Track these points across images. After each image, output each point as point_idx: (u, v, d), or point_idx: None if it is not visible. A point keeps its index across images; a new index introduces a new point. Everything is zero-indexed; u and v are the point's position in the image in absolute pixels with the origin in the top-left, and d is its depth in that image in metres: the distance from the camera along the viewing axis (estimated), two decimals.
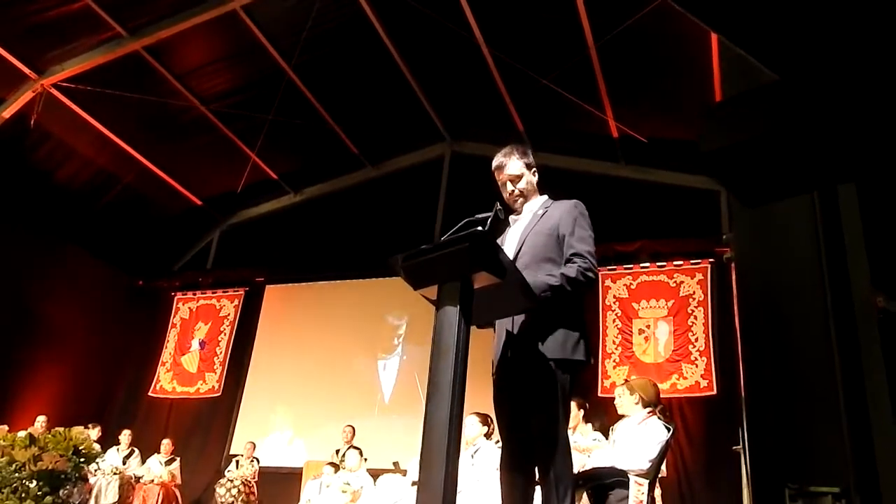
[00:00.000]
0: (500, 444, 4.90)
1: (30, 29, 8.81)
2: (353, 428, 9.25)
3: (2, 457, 4.01)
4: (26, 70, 9.34)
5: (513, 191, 3.14)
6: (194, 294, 12.56)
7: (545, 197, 3.19)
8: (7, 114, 9.58)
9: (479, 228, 2.56)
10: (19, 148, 10.02)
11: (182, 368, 11.98)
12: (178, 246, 12.94)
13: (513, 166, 3.14)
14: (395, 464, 8.43)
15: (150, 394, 11.94)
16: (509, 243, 3.05)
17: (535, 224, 3.03)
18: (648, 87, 8.85)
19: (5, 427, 8.32)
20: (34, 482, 3.97)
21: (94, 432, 9.39)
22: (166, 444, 10.18)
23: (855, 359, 1.47)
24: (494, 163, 3.18)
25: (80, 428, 5.60)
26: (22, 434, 4.42)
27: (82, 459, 4.18)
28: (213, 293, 12.44)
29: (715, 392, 8.65)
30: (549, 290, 2.74)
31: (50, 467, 3.98)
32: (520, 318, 2.89)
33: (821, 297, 1.54)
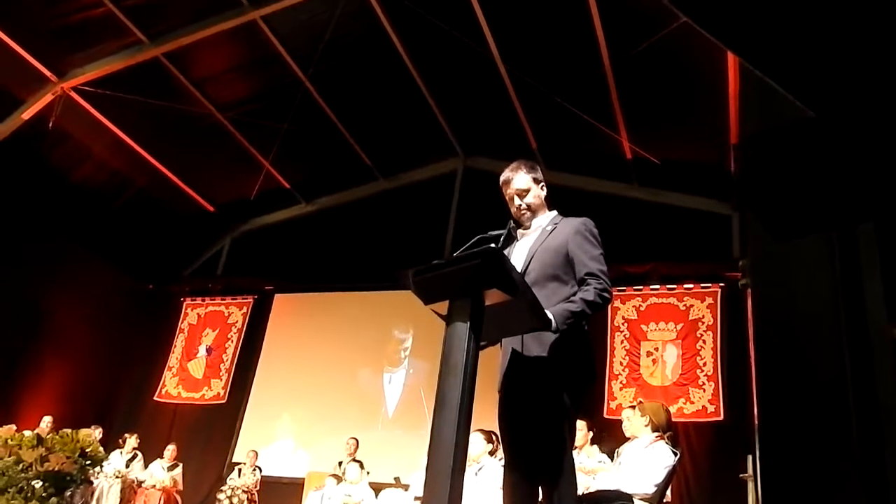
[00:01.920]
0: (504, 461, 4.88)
1: (52, 32, 8.91)
2: (357, 440, 9.22)
3: (9, 456, 4.01)
4: (47, 72, 9.44)
5: (520, 205, 3.13)
6: (203, 300, 12.60)
7: (554, 212, 3.18)
8: (27, 115, 9.68)
9: (492, 245, 2.56)
10: (37, 149, 10.10)
11: (188, 374, 12.00)
12: (189, 251, 12.99)
13: (520, 180, 3.14)
14: (396, 479, 8.39)
15: (154, 398, 11.96)
16: (516, 258, 3.04)
17: (543, 240, 3.02)
18: (663, 110, 8.85)
19: (13, 427, 8.34)
20: (40, 483, 3.97)
21: (96, 433, 9.40)
22: (170, 449, 10.16)
23: (870, 390, 1.47)
24: (502, 178, 3.19)
25: (88, 430, 5.60)
26: (29, 434, 4.43)
27: (88, 462, 4.18)
28: (221, 300, 12.47)
29: (722, 417, 8.58)
30: (572, 318, 2.75)
31: (56, 468, 3.97)
32: (527, 337, 2.88)
33: (837, 327, 1.54)
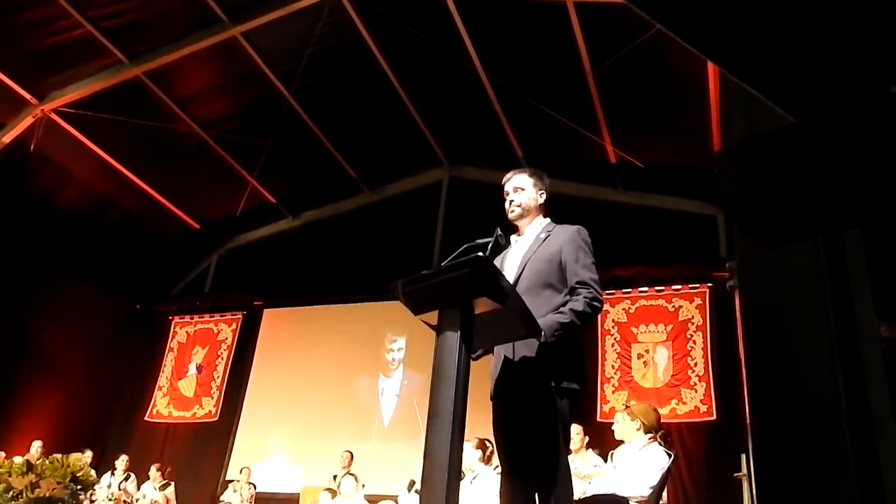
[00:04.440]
0: (498, 469, 4.86)
1: (31, 55, 8.87)
2: (351, 453, 9.18)
3: None
4: (27, 95, 9.38)
5: (512, 200, 3.14)
6: (192, 318, 12.53)
7: (548, 220, 3.18)
8: (7, 139, 9.62)
9: (480, 254, 2.56)
10: (18, 173, 10.03)
11: (178, 393, 11.92)
12: (176, 270, 12.92)
13: (519, 179, 3.16)
14: (412, 482, 8.21)
15: (146, 418, 11.87)
16: (510, 265, 3.04)
17: (536, 248, 3.02)
18: (645, 113, 8.90)
19: (2, 453, 8.25)
20: None
21: (86, 456, 9.30)
22: (161, 469, 10.06)
23: (860, 388, 1.48)
24: (504, 178, 3.20)
25: (79, 455, 5.55)
26: (19, 460, 4.39)
27: (80, 486, 4.15)
28: (210, 317, 12.41)
29: (715, 417, 8.60)
30: (560, 329, 2.75)
31: (47, 495, 3.94)
32: (518, 344, 2.88)
33: (825, 325, 1.55)
